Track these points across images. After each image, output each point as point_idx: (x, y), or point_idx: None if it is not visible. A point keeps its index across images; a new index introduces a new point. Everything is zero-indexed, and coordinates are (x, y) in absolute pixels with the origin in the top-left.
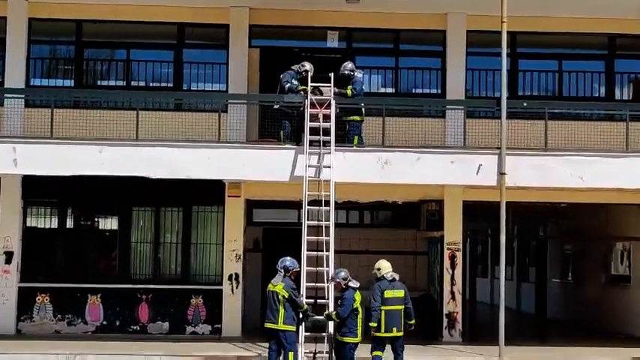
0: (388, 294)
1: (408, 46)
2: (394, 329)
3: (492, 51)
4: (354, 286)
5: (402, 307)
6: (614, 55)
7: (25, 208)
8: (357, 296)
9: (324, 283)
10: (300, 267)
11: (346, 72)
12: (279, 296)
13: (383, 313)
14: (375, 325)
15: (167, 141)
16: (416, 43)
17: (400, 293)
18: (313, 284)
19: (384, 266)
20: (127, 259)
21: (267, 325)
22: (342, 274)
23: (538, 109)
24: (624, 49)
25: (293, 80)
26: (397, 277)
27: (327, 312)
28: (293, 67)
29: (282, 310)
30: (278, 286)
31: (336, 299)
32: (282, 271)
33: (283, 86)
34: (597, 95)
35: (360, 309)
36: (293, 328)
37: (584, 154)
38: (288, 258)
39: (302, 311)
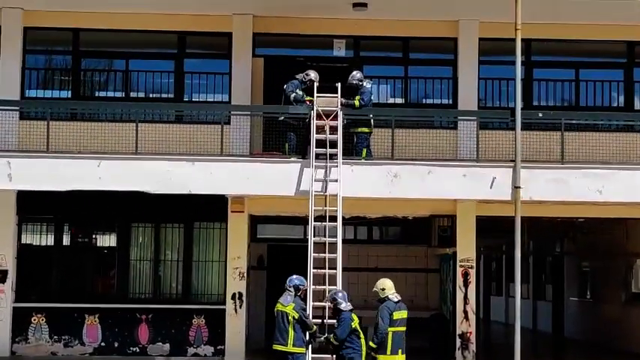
0: (396, 315)
1: (418, 54)
2: (399, 351)
3: (506, 59)
4: (344, 309)
5: (405, 328)
6: (633, 63)
7: (20, 224)
8: (355, 317)
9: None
10: (307, 285)
11: (354, 82)
12: (290, 317)
13: (390, 334)
14: (375, 346)
15: (167, 154)
16: (426, 52)
17: (405, 314)
18: (320, 303)
19: (389, 286)
20: (126, 277)
21: (276, 347)
22: (340, 294)
23: (554, 119)
24: None
25: (298, 90)
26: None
27: (325, 335)
28: (297, 76)
29: (291, 332)
30: (289, 306)
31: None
32: (293, 290)
33: (288, 96)
34: (616, 105)
35: (359, 329)
36: (303, 350)
37: (603, 166)
38: (297, 276)
39: (310, 333)
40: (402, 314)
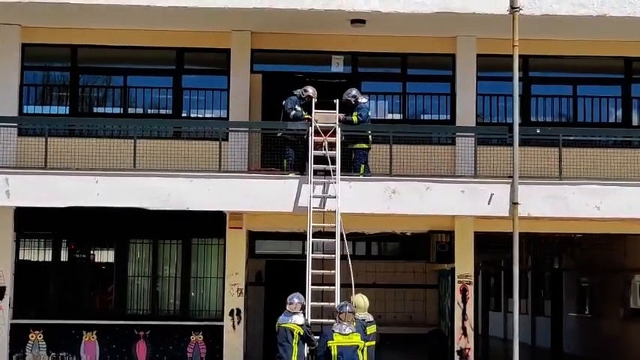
0: (368, 330)
1: (416, 70)
2: None
3: (504, 75)
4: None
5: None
6: (631, 79)
7: (18, 240)
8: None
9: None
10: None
11: (350, 98)
12: (295, 333)
13: (365, 349)
14: None
15: (166, 171)
16: (424, 68)
17: (374, 329)
18: (319, 320)
19: (360, 307)
20: (124, 293)
21: None
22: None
23: (552, 135)
24: None
25: (297, 106)
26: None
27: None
28: (295, 92)
29: (295, 348)
30: (293, 323)
31: None
32: (299, 308)
33: (287, 113)
34: (614, 121)
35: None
36: None
37: (601, 182)
38: (297, 294)
39: (312, 349)
40: (372, 329)
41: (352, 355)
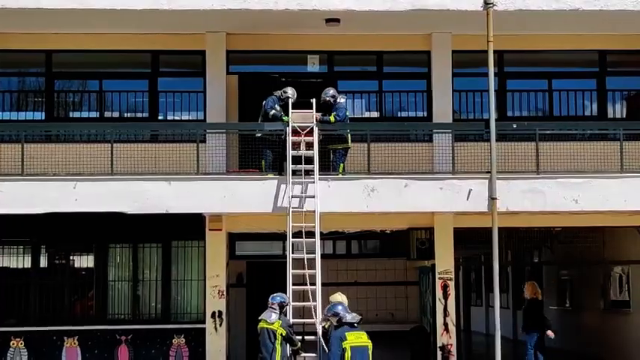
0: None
1: (392, 68)
2: None
3: (479, 71)
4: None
5: None
6: (605, 72)
7: None
8: None
9: (311, 318)
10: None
11: (328, 98)
12: (277, 334)
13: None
14: None
15: (143, 174)
16: (400, 65)
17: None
18: (301, 320)
19: (340, 301)
20: (105, 298)
21: None
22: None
23: (528, 130)
24: (615, 66)
25: (276, 106)
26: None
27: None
28: (275, 93)
29: (279, 349)
30: (275, 323)
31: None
32: (277, 308)
33: (267, 113)
34: (589, 114)
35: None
36: None
37: (578, 175)
38: (279, 294)
39: (294, 349)
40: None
41: (363, 356)
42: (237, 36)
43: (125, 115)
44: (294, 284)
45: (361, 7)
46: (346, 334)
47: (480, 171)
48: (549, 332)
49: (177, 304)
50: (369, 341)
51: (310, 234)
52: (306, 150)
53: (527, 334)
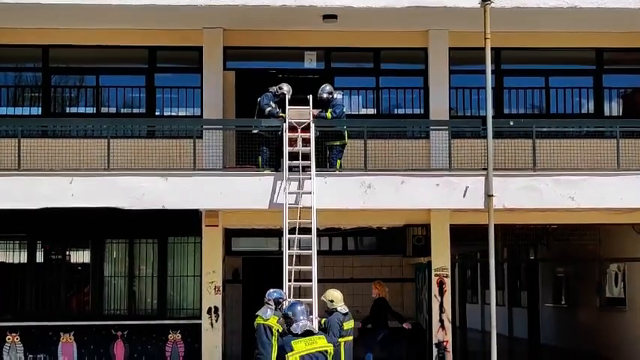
0: (346, 326)
1: (389, 65)
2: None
3: (476, 68)
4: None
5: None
6: (602, 70)
7: None
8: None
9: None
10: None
11: (324, 95)
12: (274, 330)
13: (342, 345)
14: None
15: (140, 170)
16: (397, 62)
17: (352, 324)
18: None
19: (337, 298)
20: (101, 294)
21: None
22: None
23: (525, 127)
24: (612, 64)
25: (271, 103)
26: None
27: None
28: (270, 89)
29: (275, 345)
30: (271, 319)
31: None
32: (273, 304)
33: (263, 109)
34: (586, 112)
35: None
36: None
37: (574, 173)
38: (275, 289)
39: None
40: (350, 324)
41: None
42: (235, 32)
43: (122, 110)
44: (290, 280)
45: (358, 3)
46: (292, 342)
47: (476, 168)
48: (405, 324)
49: (173, 299)
50: (330, 344)
51: (306, 230)
52: (303, 146)
53: (375, 332)
